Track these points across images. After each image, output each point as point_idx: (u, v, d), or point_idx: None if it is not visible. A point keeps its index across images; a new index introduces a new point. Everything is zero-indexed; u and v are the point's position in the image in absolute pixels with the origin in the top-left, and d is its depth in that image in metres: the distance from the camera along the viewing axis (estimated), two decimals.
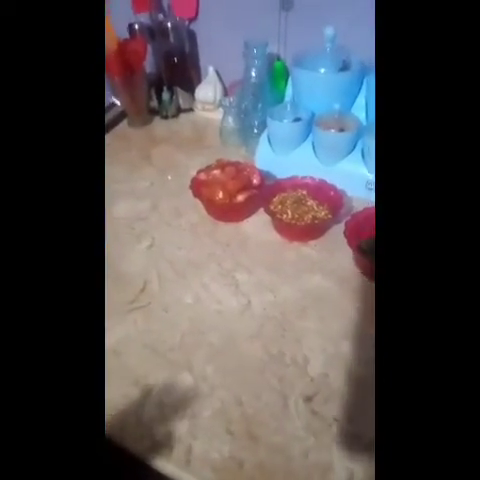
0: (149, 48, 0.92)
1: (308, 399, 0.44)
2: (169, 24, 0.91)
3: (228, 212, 0.67)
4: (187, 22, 0.94)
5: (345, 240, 0.55)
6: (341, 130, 0.68)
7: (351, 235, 0.56)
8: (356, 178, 0.69)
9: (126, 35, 0.93)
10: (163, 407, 0.44)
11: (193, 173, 0.71)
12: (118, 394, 0.45)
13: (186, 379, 0.46)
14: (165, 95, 0.97)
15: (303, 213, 0.63)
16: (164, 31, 0.92)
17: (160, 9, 0.95)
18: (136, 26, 0.92)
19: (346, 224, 0.57)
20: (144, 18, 0.93)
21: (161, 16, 0.94)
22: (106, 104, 0.99)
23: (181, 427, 0.42)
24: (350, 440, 0.40)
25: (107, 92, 0.93)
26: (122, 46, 0.86)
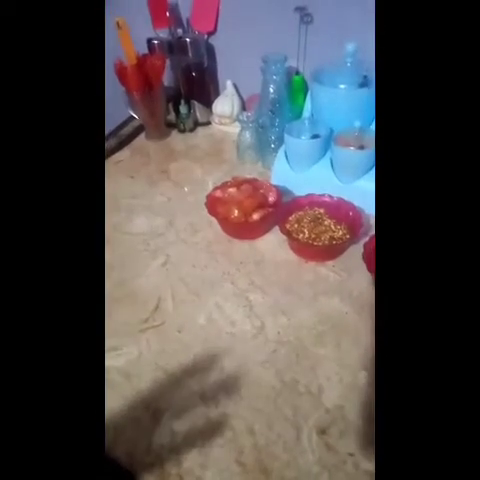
0: (167, 62, 0.93)
1: (322, 432, 0.42)
2: (188, 39, 0.92)
3: (243, 230, 0.66)
4: (206, 36, 0.94)
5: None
6: (361, 147, 0.67)
7: (370, 258, 0.54)
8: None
9: (145, 50, 0.94)
10: (174, 434, 0.43)
11: (210, 188, 0.71)
12: (129, 418, 0.45)
13: (198, 405, 0.46)
14: (183, 109, 0.97)
15: (320, 233, 0.61)
16: (183, 46, 0.93)
17: (179, 24, 0.96)
18: (155, 42, 0.93)
19: (364, 246, 0.56)
20: (163, 33, 0.94)
21: (180, 31, 0.95)
22: (124, 118, 1.00)
23: (191, 456, 0.41)
24: (366, 478, 0.38)
25: (125, 106, 0.93)
26: (141, 61, 0.87)
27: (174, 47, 0.95)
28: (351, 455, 0.40)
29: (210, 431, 0.43)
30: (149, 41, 0.94)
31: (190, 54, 0.94)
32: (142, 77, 0.88)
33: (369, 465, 0.39)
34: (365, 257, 0.54)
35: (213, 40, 0.97)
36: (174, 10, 0.94)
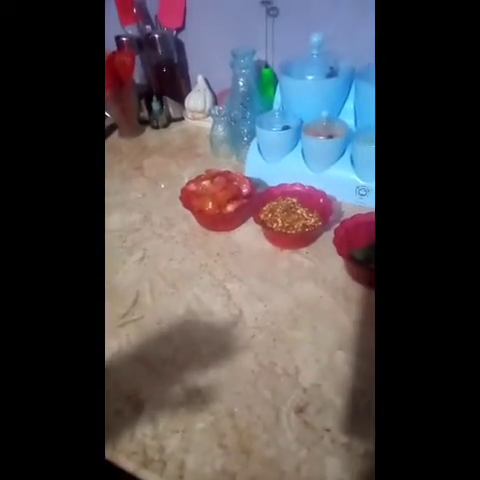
0: (137, 59, 0.93)
1: (300, 410, 0.43)
2: (157, 35, 0.92)
3: (218, 222, 0.67)
4: (174, 32, 0.95)
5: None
6: (330, 137, 0.68)
7: (341, 244, 0.56)
8: (345, 184, 0.69)
9: (114, 48, 0.94)
10: (155, 422, 0.44)
11: (185, 183, 0.71)
12: (110, 410, 0.45)
13: (178, 393, 0.46)
14: (155, 105, 0.97)
15: (293, 221, 0.63)
16: (152, 42, 0.93)
17: (147, 21, 0.95)
18: (124, 39, 0.93)
19: (335, 232, 0.57)
20: (132, 30, 0.93)
21: (149, 28, 0.95)
22: None
23: (173, 442, 0.42)
24: (343, 452, 0.40)
25: None
26: (110, 59, 0.87)
27: (143, 44, 0.95)
28: (328, 431, 0.42)
29: (191, 417, 0.44)
30: (117, 38, 0.94)
31: (159, 50, 0.94)
32: (112, 75, 0.88)
33: (345, 439, 0.41)
34: (336, 243, 0.56)
35: (182, 36, 0.97)
36: (141, 6, 0.94)
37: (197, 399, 0.46)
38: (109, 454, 0.42)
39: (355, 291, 0.56)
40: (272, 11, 0.82)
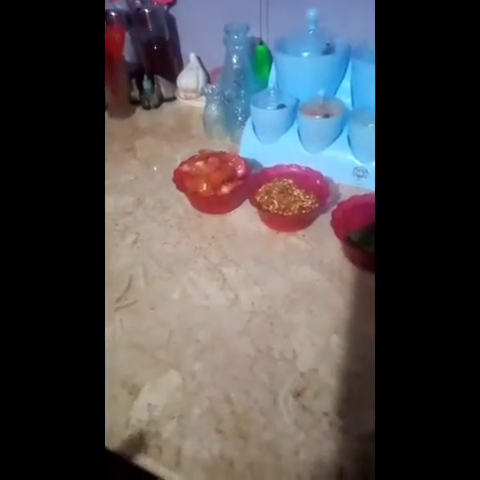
0: (127, 36, 0.89)
1: (298, 394, 0.43)
2: (147, 10, 0.89)
3: (213, 204, 0.66)
4: (166, 7, 0.91)
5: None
6: (326, 116, 0.66)
7: (338, 225, 0.55)
8: (342, 165, 0.68)
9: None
10: (151, 408, 0.43)
11: (177, 165, 0.70)
12: (106, 396, 0.44)
13: (174, 378, 0.46)
14: (146, 84, 0.94)
15: (290, 203, 0.61)
16: (142, 18, 0.89)
17: None
18: (113, 13, 0.89)
19: (332, 214, 0.56)
20: (121, 4, 0.90)
21: (138, 2, 0.91)
22: None
23: (170, 427, 0.42)
24: (340, 435, 0.40)
25: None
26: None
27: (133, 19, 0.91)
28: (326, 414, 0.41)
29: (187, 402, 0.43)
30: (106, 13, 0.90)
31: (150, 26, 0.91)
32: None
33: (342, 422, 0.41)
34: (334, 225, 0.55)
35: (173, 11, 0.94)
36: None
37: (193, 384, 0.45)
38: (106, 440, 0.41)
39: (351, 274, 0.55)
40: None
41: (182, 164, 0.67)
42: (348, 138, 0.68)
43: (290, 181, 0.65)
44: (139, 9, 0.90)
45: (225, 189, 0.63)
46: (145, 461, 0.40)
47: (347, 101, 0.72)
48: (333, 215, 0.56)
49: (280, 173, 0.66)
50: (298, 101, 0.70)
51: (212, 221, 0.66)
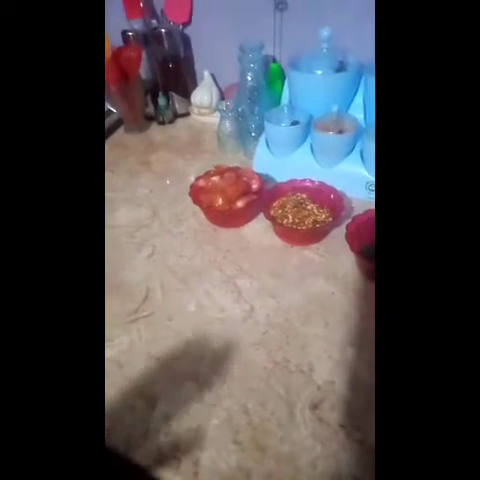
0: (143, 54, 0.92)
1: (314, 407, 0.43)
2: (163, 30, 0.91)
3: (228, 218, 0.67)
4: (181, 27, 0.94)
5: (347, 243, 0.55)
6: (340, 132, 0.68)
7: (352, 239, 0.55)
8: (356, 179, 0.69)
9: (120, 43, 0.93)
10: (169, 418, 0.44)
11: (192, 179, 0.71)
12: (123, 407, 0.45)
13: (191, 389, 0.46)
14: (161, 101, 0.97)
15: (304, 217, 0.62)
16: (158, 37, 0.92)
17: (153, 15, 0.95)
18: (130, 33, 0.92)
19: (347, 228, 0.57)
20: (137, 25, 0.93)
21: (155, 22, 0.94)
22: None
23: (188, 439, 0.42)
24: (357, 447, 0.40)
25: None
26: (117, 54, 0.86)
27: (149, 38, 0.94)
28: (343, 426, 0.42)
29: (205, 413, 0.44)
30: (124, 33, 0.93)
31: (166, 45, 0.93)
32: (118, 70, 0.87)
33: (359, 435, 0.41)
34: (348, 238, 0.56)
35: (188, 30, 0.96)
36: (148, 0, 0.93)
37: (210, 395, 0.45)
38: (123, 451, 0.42)
39: (365, 287, 0.56)
40: (280, 5, 0.82)
41: (198, 179, 0.69)
42: (361, 153, 0.69)
43: (304, 195, 0.66)
44: (155, 29, 0.92)
45: (240, 203, 0.64)
46: (163, 472, 0.40)
47: (360, 117, 0.73)
48: (347, 229, 0.57)
49: (294, 187, 0.67)
50: (311, 117, 0.72)
51: (227, 235, 0.67)
